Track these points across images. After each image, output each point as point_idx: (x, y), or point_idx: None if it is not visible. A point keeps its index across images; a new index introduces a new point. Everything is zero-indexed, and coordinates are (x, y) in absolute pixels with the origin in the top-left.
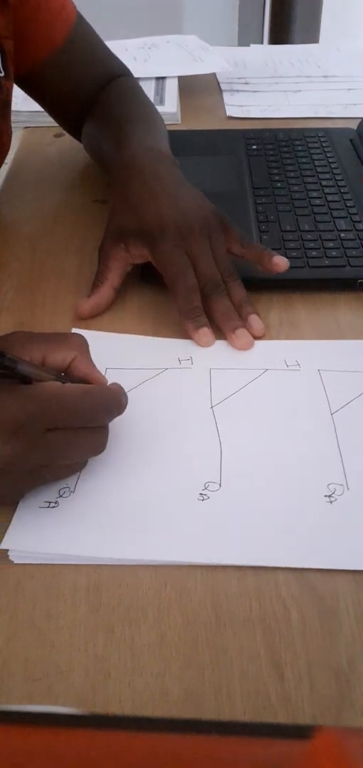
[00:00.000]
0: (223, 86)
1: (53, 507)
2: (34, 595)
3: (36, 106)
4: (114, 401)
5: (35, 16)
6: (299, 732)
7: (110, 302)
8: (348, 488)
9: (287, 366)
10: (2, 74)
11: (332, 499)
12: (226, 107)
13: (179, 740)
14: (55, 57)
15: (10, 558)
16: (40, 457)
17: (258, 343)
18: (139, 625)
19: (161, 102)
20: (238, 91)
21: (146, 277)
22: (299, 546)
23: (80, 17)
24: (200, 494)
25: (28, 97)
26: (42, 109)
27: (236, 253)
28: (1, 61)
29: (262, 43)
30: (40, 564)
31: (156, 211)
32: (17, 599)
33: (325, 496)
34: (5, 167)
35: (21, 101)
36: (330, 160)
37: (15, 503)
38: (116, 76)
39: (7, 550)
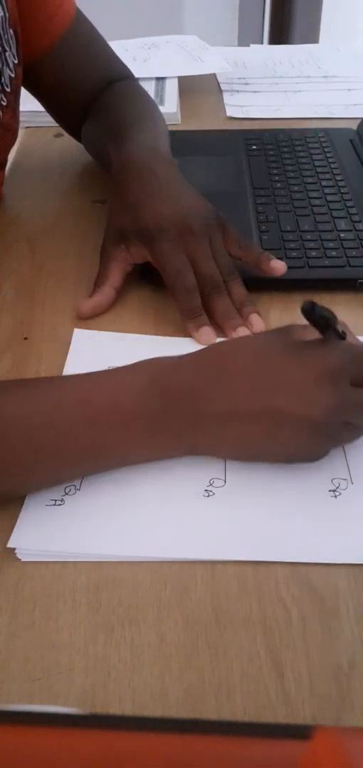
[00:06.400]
0: (223, 86)
1: (59, 505)
2: (34, 595)
3: (36, 107)
4: None
5: (34, 11)
6: (299, 732)
7: (111, 302)
8: (352, 482)
9: None
10: (16, 61)
11: (337, 493)
12: (226, 107)
13: (179, 740)
14: (51, 53)
15: (18, 556)
16: (349, 412)
17: None
18: (139, 625)
19: (161, 102)
20: (238, 91)
21: (146, 277)
22: (305, 541)
23: (81, 16)
24: (205, 490)
25: (29, 98)
26: (42, 110)
27: (234, 255)
28: (15, 48)
29: (262, 43)
30: (40, 564)
31: (154, 211)
32: (17, 599)
33: (330, 490)
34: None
35: (21, 101)
36: (330, 160)
37: (315, 460)
38: (118, 78)
39: (14, 549)
